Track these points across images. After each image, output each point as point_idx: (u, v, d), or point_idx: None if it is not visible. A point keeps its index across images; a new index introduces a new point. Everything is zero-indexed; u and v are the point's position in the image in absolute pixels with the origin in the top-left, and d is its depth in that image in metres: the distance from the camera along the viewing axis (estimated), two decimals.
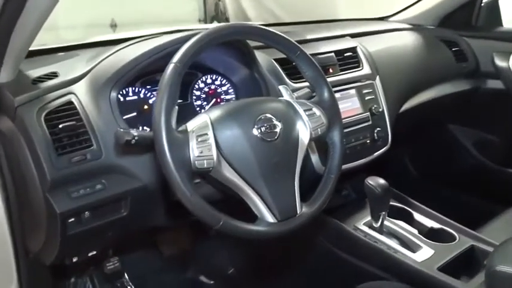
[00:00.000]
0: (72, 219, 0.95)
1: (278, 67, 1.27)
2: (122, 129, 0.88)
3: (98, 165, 0.96)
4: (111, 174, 0.97)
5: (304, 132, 0.98)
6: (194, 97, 1.24)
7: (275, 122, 0.93)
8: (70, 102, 0.98)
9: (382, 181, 1.23)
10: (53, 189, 0.91)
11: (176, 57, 0.88)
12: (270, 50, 1.31)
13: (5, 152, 0.97)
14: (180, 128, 0.87)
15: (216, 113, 0.91)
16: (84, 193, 0.94)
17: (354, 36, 1.58)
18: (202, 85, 1.25)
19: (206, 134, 0.87)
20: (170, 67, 0.86)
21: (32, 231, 1.01)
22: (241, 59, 1.20)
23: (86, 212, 0.96)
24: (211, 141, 0.87)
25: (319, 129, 1.00)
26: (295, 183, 0.94)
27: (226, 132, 0.89)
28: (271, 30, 1.02)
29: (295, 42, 1.03)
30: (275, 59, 1.28)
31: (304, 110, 0.99)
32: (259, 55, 1.24)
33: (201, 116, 0.90)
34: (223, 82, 1.27)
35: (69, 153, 0.93)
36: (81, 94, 1.00)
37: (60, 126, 0.93)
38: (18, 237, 1.03)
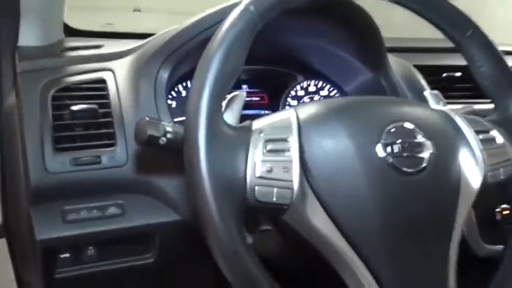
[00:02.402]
0: (66, 254, 0.60)
1: (420, 77, 0.84)
2: (147, 118, 0.53)
3: (118, 176, 0.61)
4: (135, 194, 0.62)
5: (472, 169, 0.52)
6: (287, 108, 0.85)
7: (421, 139, 0.50)
8: (101, 81, 0.66)
9: None
10: (37, 201, 0.58)
11: None
12: (407, 54, 0.90)
13: (1, 138, 0.67)
14: (237, 124, 0.49)
15: (309, 109, 0.51)
16: (87, 216, 0.59)
17: None
18: (301, 92, 0.86)
19: (285, 140, 0.47)
20: (236, 11, 0.49)
21: (20, 257, 0.69)
22: (367, 59, 0.79)
23: (90, 248, 0.61)
24: (293, 154, 0.46)
25: (501, 170, 0.54)
26: (450, 264, 0.48)
27: (324, 144, 0.48)
28: None
29: (468, 15, 0.60)
30: (416, 66, 0.85)
31: (476, 132, 0.54)
32: (392, 59, 0.83)
33: (282, 112, 0.51)
34: (331, 91, 0.87)
35: (75, 150, 0.60)
36: (120, 73, 0.67)
37: (74, 108, 0.61)
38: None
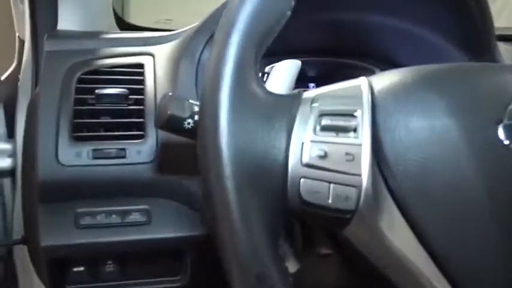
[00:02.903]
0: (80, 268, 0.50)
1: None
2: (171, 94, 0.40)
3: (144, 174, 0.49)
4: (164, 199, 0.50)
5: None
6: None
7: None
8: (139, 65, 0.56)
9: None
10: (46, 199, 0.48)
11: None
12: None
13: (26, 128, 0.59)
14: (277, 91, 0.34)
15: (390, 77, 0.34)
16: (105, 222, 0.48)
17: None
18: None
19: (351, 114, 0.31)
20: None
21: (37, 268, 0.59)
22: (469, 45, 0.62)
23: (109, 263, 0.50)
24: (363, 135, 0.30)
25: None
26: None
27: (412, 125, 0.31)
28: None
29: None
30: None
31: None
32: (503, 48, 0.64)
33: (349, 81, 0.36)
34: None
35: (96, 141, 0.49)
36: (161, 58, 0.57)
37: (100, 92, 0.51)
38: None
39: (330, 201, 0.29)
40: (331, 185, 0.29)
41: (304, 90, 0.34)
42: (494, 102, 0.31)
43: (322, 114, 0.30)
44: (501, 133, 0.30)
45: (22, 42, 0.70)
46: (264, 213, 0.28)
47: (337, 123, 0.30)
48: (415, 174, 0.30)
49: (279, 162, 0.29)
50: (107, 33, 0.62)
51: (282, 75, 0.37)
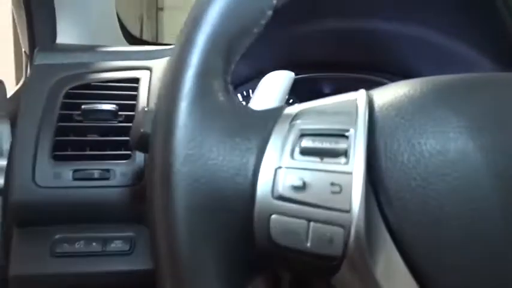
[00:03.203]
0: None
1: None
2: (146, 109, 0.36)
3: (129, 198, 0.45)
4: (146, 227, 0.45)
5: None
6: None
7: None
8: (133, 80, 0.52)
9: None
10: (21, 222, 0.44)
11: None
12: None
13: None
14: (261, 107, 0.29)
15: (395, 90, 0.27)
16: (83, 250, 0.44)
17: None
18: None
19: (341, 134, 0.25)
20: None
21: None
22: (495, 52, 0.54)
23: None
24: (355, 161, 0.24)
25: None
26: None
27: (422, 149, 0.24)
28: None
29: None
30: None
31: None
32: None
33: (344, 95, 0.30)
34: None
35: (79, 161, 0.45)
36: (158, 72, 0.53)
37: (85, 107, 0.47)
38: None
39: (308, 244, 0.22)
40: (311, 224, 0.23)
41: (290, 105, 0.28)
42: None
43: (303, 134, 0.25)
44: None
45: (27, 57, 0.69)
46: (221, 261, 0.22)
47: (321, 145, 0.24)
48: (423, 210, 0.23)
49: (244, 194, 0.23)
50: (105, 47, 0.58)
51: (270, 88, 0.32)
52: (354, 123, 0.25)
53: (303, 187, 0.23)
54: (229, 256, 0.23)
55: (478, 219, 0.23)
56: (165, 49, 0.58)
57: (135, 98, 0.50)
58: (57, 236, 0.44)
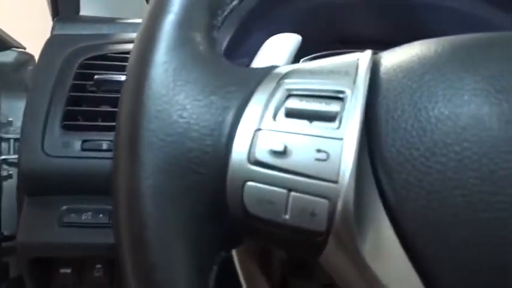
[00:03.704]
0: (67, 270, 0.45)
1: None
2: None
3: None
4: None
5: None
6: None
7: None
8: None
9: None
10: (29, 191, 0.44)
11: None
12: None
13: None
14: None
15: (404, 51, 0.24)
16: (92, 221, 0.43)
17: None
18: None
19: (335, 97, 0.21)
20: None
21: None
22: None
23: (97, 267, 0.45)
24: (350, 126, 0.20)
25: None
26: None
27: (430, 113, 0.20)
28: None
29: None
30: None
31: None
32: None
33: (349, 55, 0.26)
34: None
35: (90, 131, 0.44)
36: None
37: (101, 78, 0.46)
38: None
39: (286, 216, 0.20)
40: (292, 194, 0.20)
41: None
42: None
43: (291, 95, 0.22)
44: None
45: None
46: (189, 229, 0.20)
47: (309, 106, 0.21)
48: (424, 184, 0.20)
49: (216, 157, 0.20)
50: (126, 19, 0.57)
51: (273, 50, 0.29)
52: (352, 85, 0.22)
53: (283, 152, 0.20)
54: (199, 224, 0.20)
55: (488, 197, 0.19)
56: None
57: None
58: (64, 207, 0.43)
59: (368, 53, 0.24)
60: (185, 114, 0.21)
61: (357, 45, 0.63)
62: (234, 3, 0.25)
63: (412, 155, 0.21)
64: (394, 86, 0.22)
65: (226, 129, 0.21)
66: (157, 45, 0.22)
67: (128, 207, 0.20)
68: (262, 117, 0.21)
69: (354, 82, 0.22)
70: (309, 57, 0.52)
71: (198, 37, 0.23)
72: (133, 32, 0.54)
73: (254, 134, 0.21)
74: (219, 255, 0.21)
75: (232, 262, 0.22)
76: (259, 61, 0.29)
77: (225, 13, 0.24)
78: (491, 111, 0.20)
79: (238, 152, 0.20)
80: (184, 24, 0.22)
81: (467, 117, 0.20)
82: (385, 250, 0.20)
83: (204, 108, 0.21)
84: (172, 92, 0.21)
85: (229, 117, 0.21)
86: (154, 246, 0.20)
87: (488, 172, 0.19)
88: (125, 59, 0.49)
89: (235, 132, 0.21)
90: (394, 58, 0.24)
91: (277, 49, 0.29)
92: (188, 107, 0.21)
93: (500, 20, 0.50)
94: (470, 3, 0.50)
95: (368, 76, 0.22)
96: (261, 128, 0.21)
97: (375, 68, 0.23)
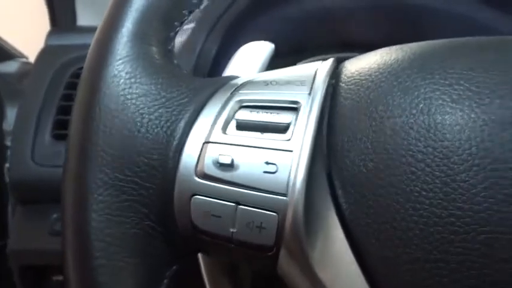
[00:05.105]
0: (59, 277, 0.45)
1: None
2: None
3: None
4: None
5: None
6: None
7: None
8: None
9: None
10: (20, 200, 0.44)
11: None
12: None
13: None
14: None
15: (363, 60, 0.23)
16: None
17: None
18: None
19: (288, 107, 0.21)
20: None
21: None
22: None
23: None
24: (300, 140, 0.20)
25: None
26: None
27: (386, 123, 0.20)
28: None
29: None
30: None
31: None
32: None
33: (311, 64, 0.26)
34: None
35: None
36: None
37: None
38: None
39: (234, 230, 0.19)
40: (239, 208, 0.20)
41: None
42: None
43: (243, 106, 0.21)
44: None
45: None
46: (138, 243, 0.20)
47: (260, 118, 0.21)
48: (380, 197, 0.20)
49: (164, 171, 0.20)
50: None
51: (244, 59, 0.29)
52: (307, 95, 0.22)
53: (230, 165, 0.20)
54: (146, 239, 0.20)
55: (440, 211, 0.19)
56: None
57: None
58: (55, 215, 0.44)
59: (329, 62, 0.24)
60: (134, 128, 0.21)
61: (359, 49, 0.62)
62: (189, 14, 0.25)
63: (366, 166, 0.20)
64: (352, 95, 0.22)
65: (175, 142, 0.21)
66: (109, 58, 0.22)
67: (74, 221, 0.20)
68: (211, 129, 0.21)
69: (310, 92, 0.22)
70: (302, 62, 0.51)
71: (152, 50, 0.23)
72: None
73: (202, 147, 0.20)
74: (170, 269, 0.21)
75: (184, 276, 0.22)
76: (230, 70, 0.29)
77: (180, 24, 0.24)
78: (445, 121, 0.19)
79: (186, 165, 0.20)
80: (138, 37, 0.22)
81: (421, 128, 0.20)
82: (337, 261, 0.19)
83: (153, 122, 0.21)
84: (121, 107, 0.21)
85: (179, 130, 0.21)
86: (101, 261, 0.20)
87: (441, 185, 0.19)
88: None
89: (183, 145, 0.20)
90: (355, 66, 0.24)
91: (250, 58, 0.29)
92: (137, 120, 0.21)
93: (503, 25, 0.48)
94: (473, 8, 0.49)
95: (325, 86, 0.22)
96: (210, 140, 0.20)
97: (334, 77, 0.23)
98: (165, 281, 0.21)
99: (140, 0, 0.23)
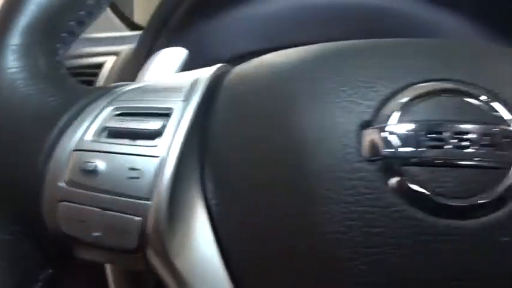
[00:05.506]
0: None
1: None
2: None
3: None
4: None
5: None
6: None
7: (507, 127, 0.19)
8: (96, 65, 0.52)
9: None
10: None
11: None
12: None
13: None
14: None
15: (253, 64, 0.24)
16: None
17: None
18: None
19: (160, 114, 0.22)
20: None
21: None
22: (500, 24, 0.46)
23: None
24: (168, 146, 0.21)
25: None
26: None
27: (256, 132, 0.20)
28: None
29: None
30: None
31: None
32: None
33: (198, 70, 0.26)
34: None
35: None
36: (121, 57, 0.52)
37: None
38: None
39: (98, 234, 0.20)
40: (104, 213, 0.20)
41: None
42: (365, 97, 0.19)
43: (117, 114, 0.22)
44: (366, 144, 0.19)
45: None
46: (3, 252, 0.20)
47: (130, 125, 0.21)
48: (246, 199, 0.20)
49: (33, 177, 0.21)
50: (96, 34, 0.59)
51: (155, 66, 0.29)
52: (180, 101, 0.22)
53: (94, 171, 0.20)
54: (16, 243, 0.21)
55: (294, 210, 0.19)
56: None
57: (92, 83, 0.49)
58: None
59: (214, 67, 0.24)
60: (7, 138, 0.21)
61: None
62: (73, 25, 0.25)
63: (238, 172, 0.21)
64: (232, 101, 0.22)
65: (45, 150, 0.21)
66: None
67: None
68: (81, 137, 0.21)
69: (186, 98, 0.22)
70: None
71: (38, 62, 0.23)
72: (84, 47, 0.55)
73: (69, 154, 0.21)
74: (44, 272, 0.22)
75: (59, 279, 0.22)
76: (142, 76, 0.30)
77: (64, 35, 0.25)
78: (303, 124, 0.20)
79: (53, 172, 0.21)
80: (21, 51, 0.23)
81: (282, 127, 0.20)
82: (195, 251, 0.20)
83: (27, 129, 0.22)
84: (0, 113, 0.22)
85: (51, 138, 0.21)
86: None
87: (295, 188, 0.19)
88: (93, 74, 0.50)
89: (52, 152, 0.21)
90: (240, 70, 0.24)
91: (163, 64, 0.30)
92: (12, 129, 0.21)
93: (449, 25, 0.47)
94: (415, 5, 0.48)
95: (202, 91, 0.22)
96: (77, 148, 0.21)
97: (216, 82, 0.23)
98: (39, 283, 0.21)
99: (27, 10, 0.24)
